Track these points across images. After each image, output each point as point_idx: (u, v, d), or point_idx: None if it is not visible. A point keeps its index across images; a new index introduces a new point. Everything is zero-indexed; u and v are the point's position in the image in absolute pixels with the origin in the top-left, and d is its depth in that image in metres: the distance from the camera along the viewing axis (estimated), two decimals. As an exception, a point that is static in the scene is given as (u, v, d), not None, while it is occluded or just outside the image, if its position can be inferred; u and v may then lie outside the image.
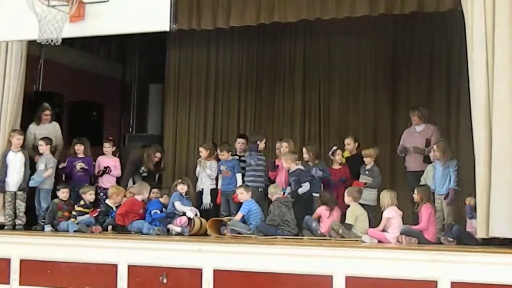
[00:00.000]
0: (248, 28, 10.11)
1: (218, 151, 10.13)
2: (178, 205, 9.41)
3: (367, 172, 9.51)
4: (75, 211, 9.65)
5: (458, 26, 8.01)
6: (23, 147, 9.97)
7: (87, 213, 9.66)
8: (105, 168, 10.50)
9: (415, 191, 8.65)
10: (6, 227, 9.62)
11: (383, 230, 8.44)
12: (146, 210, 9.48)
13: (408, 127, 10.13)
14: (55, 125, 10.85)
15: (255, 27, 9.84)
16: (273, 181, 9.80)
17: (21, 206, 9.81)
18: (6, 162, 9.75)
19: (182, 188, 9.57)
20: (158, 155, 10.77)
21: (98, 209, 9.80)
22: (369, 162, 9.57)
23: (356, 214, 8.79)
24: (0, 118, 9.69)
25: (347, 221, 8.77)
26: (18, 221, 9.76)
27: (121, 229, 9.38)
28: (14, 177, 9.79)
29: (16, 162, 9.81)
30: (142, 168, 10.56)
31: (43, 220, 9.70)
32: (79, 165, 10.30)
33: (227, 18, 9.34)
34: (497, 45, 7.47)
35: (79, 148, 10.46)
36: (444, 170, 8.90)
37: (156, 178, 10.93)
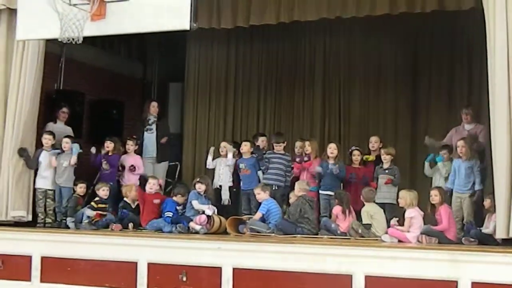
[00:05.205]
0: (268, 27, 10.09)
1: (242, 145, 10.26)
2: (196, 204, 9.44)
3: (386, 171, 9.48)
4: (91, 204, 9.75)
5: (479, 24, 7.93)
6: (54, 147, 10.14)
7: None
8: (131, 166, 10.52)
9: (435, 192, 8.59)
10: (38, 224, 9.75)
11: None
12: (162, 210, 9.51)
13: (457, 125, 10.02)
14: (69, 128, 10.92)
15: (275, 26, 9.82)
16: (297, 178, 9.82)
17: (51, 204, 10.00)
18: (39, 160, 9.90)
19: (200, 187, 9.58)
20: (154, 104, 11.37)
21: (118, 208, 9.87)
22: (388, 160, 9.54)
23: (370, 213, 8.80)
24: (17, 117, 9.57)
25: (363, 222, 8.78)
26: (48, 219, 9.92)
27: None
28: (45, 176, 9.96)
29: (45, 161, 9.98)
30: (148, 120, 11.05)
31: (63, 218, 9.80)
32: (104, 164, 10.36)
33: (247, 17, 9.36)
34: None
35: (109, 146, 10.47)
36: (468, 169, 8.85)
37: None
